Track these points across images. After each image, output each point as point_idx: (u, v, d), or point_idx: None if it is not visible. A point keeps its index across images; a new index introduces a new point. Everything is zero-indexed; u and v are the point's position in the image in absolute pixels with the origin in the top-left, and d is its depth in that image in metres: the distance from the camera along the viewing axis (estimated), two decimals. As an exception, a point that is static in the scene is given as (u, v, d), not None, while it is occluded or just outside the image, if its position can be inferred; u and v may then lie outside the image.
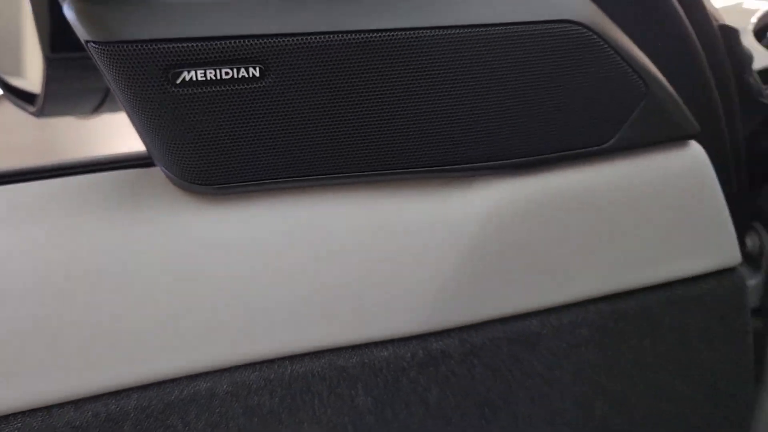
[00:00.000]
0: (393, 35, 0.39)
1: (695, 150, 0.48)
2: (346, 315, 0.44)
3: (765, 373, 0.74)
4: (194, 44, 0.37)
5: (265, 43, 0.38)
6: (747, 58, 0.58)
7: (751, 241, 0.74)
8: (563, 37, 0.42)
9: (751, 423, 0.57)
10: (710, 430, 0.55)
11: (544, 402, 0.48)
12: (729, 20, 0.82)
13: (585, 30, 0.42)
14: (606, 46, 0.43)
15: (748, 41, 0.72)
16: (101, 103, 0.65)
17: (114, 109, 0.67)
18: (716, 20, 0.56)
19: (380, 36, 0.39)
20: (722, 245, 0.50)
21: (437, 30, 0.40)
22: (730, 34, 0.55)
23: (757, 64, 0.69)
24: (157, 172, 0.43)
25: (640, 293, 0.49)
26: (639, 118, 0.45)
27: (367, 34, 0.39)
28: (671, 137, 0.47)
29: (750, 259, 0.74)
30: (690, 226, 0.49)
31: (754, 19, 0.77)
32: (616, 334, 0.49)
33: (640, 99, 0.44)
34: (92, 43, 0.37)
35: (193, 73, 0.38)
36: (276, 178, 0.42)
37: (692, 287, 0.50)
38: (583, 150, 0.44)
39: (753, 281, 0.72)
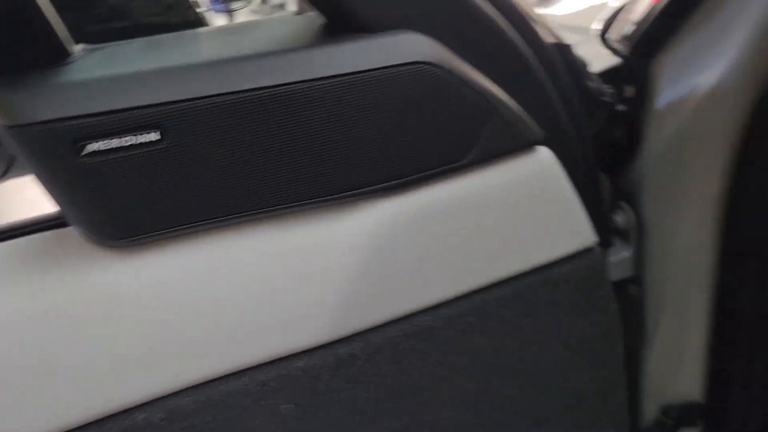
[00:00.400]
0: (269, 91, 0.46)
1: (543, 153, 0.57)
2: (260, 335, 0.50)
3: (646, 334, 0.84)
4: (97, 119, 0.42)
5: (160, 110, 0.44)
6: (581, 66, 0.67)
7: (619, 219, 0.84)
8: (416, 76, 0.49)
9: (623, 380, 0.66)
10: (590, 389, 0.64)
11: (446, 385, 0.56)
12: (599, 17, 0.92)
13: (434, 68, 0.50)
14: (454, 79, 0.51)
15: (592, 48, 0.82)
16: (8, 169, 0.69)
17: (22, 173, 0.70)
18: (554, 39, 0.65)
19: (259, 93, 0.46)
20: (578, 230, 0.59)
21: (307, 82, 0.47)
22: (564, 49, 0.64)
23: (603, 66, 0.79)
24: (73, 232, 0.48)
25: (515, 280, 0.57)
26: (490, 134, 0.53)
27: (248, 93, 0.45)
28: (520, 146, 0.55)
29: (622, 234, 0.84)
30: (548, 217, 0.58)
31: (597, 25, 0.87)
32: (499, 318, 0.57)
33: (488, 119, 0.53)
34: (3, 127, 0.41)
35: (98, 143, 0.43)
36: (182, 225, 0.47)
37: (557, 269, 0.59)
38: (446, 167, 0.52)
39: (626, 253, 0.82)
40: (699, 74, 0.69)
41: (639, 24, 0.76)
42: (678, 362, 0.83)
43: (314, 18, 0.57)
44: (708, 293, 0.74)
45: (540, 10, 1.20)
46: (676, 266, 0.78)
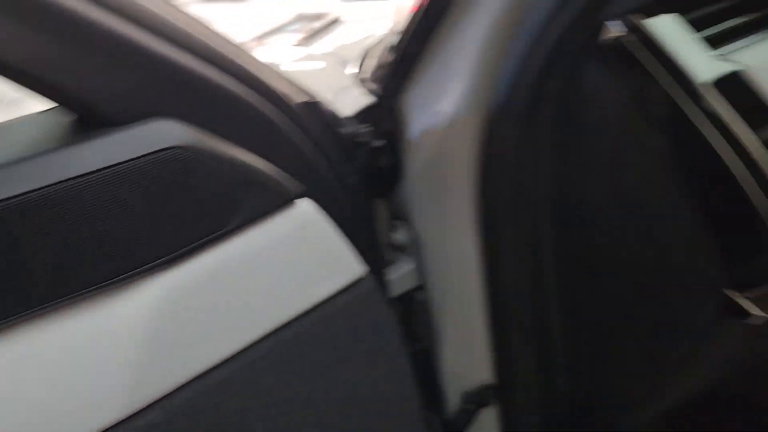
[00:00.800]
0: (23, 198, 0.47)
1: (304, 205, 0.63)
2: (56, 425, 0.51)
3: (439, 333, 0.94)
4: None
5: None
6: (332, 117, 0.75)
7: (399, 236, 0.93)
8: (170, 161, 0.53)
9: (414, 386, 0.75)
10: (386, 401, 0.72)
11: (249, 431, 0.61)
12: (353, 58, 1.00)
13: (186, 151, 0.54)
14: (207, 158, 0.55)
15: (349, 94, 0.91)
16: None
17: None
18: (304, 98, 0.72)
19: (14, 201, 0.47)
20: (346, 266, 0.67)
21: (60, 184, 0.49)
22: (313, 105, 0.72)
23: (362, 105, 0.88)
24: None
25: (296, 321, 0.63)
26: (249, 200, 0.58)
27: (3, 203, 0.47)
28: (281, 203, 0.61)
29: (403, 250, 0.94)
30: (317, 261, 0.65)
31: (353, 69, 0.97)
32: (289, 359, 0.63)
33: (245, 186, 0.58)
34: None
35: None
36: None
37: (333, 303, 0.66)
38: (212, 236, 0.57)
39: (408, 266, 0.92)
40: (438, 105, 0.80)
41: (385, 63, 0.86)
42: (469, 352, 0.94)
43: (61, 114, 0.59)
44: (480, 287, 0.86)
45: (306, 47, 1.28)
46: (450, 269, 0.89)
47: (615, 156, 0.75)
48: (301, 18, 1.52)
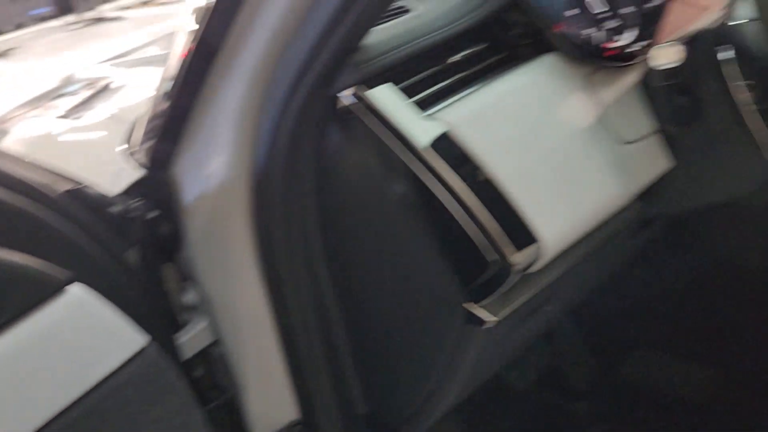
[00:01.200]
0: None
1: (75, 290, 0.66)
2: None
3: (240, 382, 0.99)
4: None
5: None
6: (98, 199, 0.79)
7: (188, 298, 0.97)
8: None
9: None
10: None
11: None
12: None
13: None
14: None
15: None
16: None
17: None
18: (68, 185, 0.75)
19: None
20: (126, 340, 0.70)
21: None
22: (76, 191, 0.75)
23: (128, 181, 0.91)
24: None
25: (82, 401, 0.65)
26: (13, 295, 0.60)
27: None
28: (48, 293, 0.63)
29: (196, 310, 0.98)
30: (96, 340, 0.67)
31: (124, 148, 0.99)
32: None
33: (6, 283, 0.60)
34: None
35: None
36: None
37: (119, 376, 0.68)
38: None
39: (202, 325, 0.96)
40: (207, 170, 0.86)
41: (151, 136, 0.90)
42: (272, 393, 1.00)
43: None
44: (274, 332, 0.93)
45: (78, 116, 1.25)
46: (242, 320, 0.95)
47: (365, 206, 0.86)
48: (71, 82, 1.48)
